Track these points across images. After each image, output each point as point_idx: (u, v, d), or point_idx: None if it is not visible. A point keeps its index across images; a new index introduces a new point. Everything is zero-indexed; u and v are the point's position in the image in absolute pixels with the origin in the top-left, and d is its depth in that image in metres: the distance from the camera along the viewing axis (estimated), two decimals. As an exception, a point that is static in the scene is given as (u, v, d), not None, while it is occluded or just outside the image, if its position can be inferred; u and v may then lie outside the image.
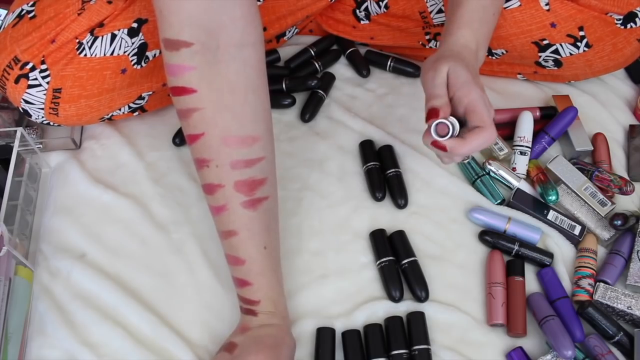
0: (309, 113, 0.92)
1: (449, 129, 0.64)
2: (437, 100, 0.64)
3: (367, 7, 0.95)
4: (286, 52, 1.00)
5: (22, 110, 0.79)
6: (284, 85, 0.93)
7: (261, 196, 0.66)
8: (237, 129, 0.64)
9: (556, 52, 0.86)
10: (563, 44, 0.85)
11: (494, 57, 0.92)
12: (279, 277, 0.69)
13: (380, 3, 0.93)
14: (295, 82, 0.94)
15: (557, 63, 0.88)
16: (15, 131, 0.81)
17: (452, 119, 0.65)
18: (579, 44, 0.84)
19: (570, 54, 0.86)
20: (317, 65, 0.96)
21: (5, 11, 0.90)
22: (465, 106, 0.64)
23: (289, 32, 0.99)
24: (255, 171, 0.65)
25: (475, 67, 0.69)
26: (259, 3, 0.89)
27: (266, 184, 0.67)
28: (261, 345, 0.65)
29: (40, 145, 0.87)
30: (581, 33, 0.83)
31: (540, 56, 0.88)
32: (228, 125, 0.63)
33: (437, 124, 0.64)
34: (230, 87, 0.63)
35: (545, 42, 0.85)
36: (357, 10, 0.96)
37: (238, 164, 0.64)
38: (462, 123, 0.66)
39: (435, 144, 0.65)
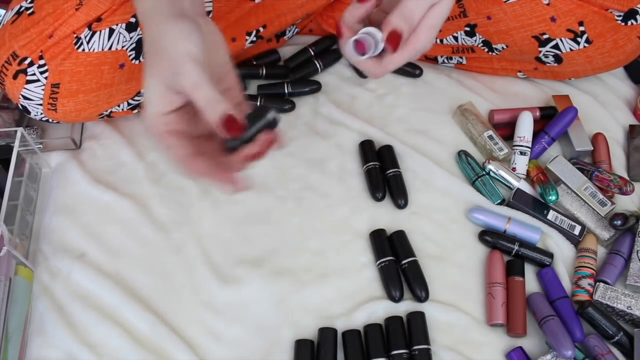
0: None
1: (370, 47, 0.56)
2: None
3: (367, 6, 0.95)
4: (286, 52, 0.99)
5: (20, 107, 0.79)
6: (285, 90, 0.94)
7: None
8: None
9: (556, 47, 0.86)
10: (563, 39, 0.85)
11: (494, 53, 0.92)
12: None
13: None
14: (297, 87, 0.94)
15: (557, 59, 0.88)
16: (16, 131, 0.81)
17: (373, 30, 0.57)
18: (579, 39, 0.84)
19: (571, 49, 0.86)
20: (318, 65, 0.96)
21: (4, 10, 0.90)
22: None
23: (289, 31, 0.99)
24: None
25: None
26: (258, 1, 0.88)
27: None
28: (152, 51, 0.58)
29: (41, 145, 0.87)
30: (581, 28, 0.83)
31: (540, 51, 0.88)
32: None
33: (356, 40, 0.56)
34: None
35: (545, 36, 0.85)
36: (358, 10, 0.96)
37: None
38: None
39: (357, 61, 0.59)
